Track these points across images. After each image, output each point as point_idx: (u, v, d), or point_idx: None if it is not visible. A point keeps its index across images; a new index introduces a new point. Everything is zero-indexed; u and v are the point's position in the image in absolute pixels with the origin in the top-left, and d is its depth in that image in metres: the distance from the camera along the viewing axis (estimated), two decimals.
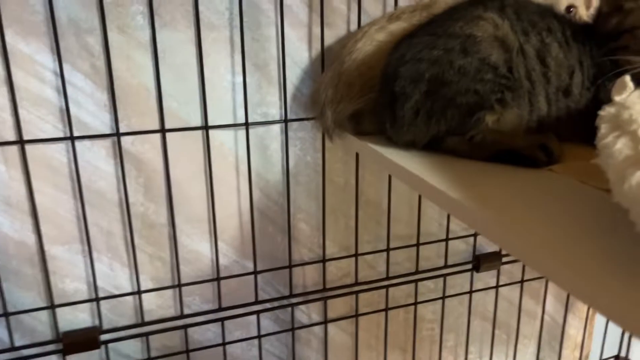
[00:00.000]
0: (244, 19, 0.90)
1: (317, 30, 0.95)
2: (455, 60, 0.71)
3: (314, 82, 0.97)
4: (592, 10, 0.94)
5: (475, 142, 0.73)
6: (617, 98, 0.56)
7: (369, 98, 0.85)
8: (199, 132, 0.94)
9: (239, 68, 0.93)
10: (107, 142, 0.89)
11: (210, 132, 0.94)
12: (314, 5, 0.94)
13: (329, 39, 0.97)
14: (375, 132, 0.85)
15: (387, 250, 1.14)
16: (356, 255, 1.11)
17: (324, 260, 1.10)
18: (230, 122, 0.95)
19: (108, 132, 0.88)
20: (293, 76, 0.97)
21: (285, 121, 0.98)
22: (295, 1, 0.93)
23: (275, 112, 0.98)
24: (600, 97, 0.74)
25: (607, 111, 0.55)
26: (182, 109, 0.92)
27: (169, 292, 1.01)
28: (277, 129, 0.99)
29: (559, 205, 0.57)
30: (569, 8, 0.90)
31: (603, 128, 0.53)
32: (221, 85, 0.93)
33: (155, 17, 0.86)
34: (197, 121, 0.93)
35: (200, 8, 0.88)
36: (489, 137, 0.72)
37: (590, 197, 0.59)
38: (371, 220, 1.12)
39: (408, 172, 0.70)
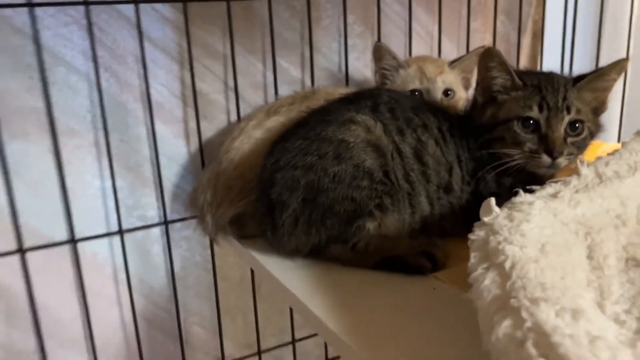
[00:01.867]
0: (109, 121, 0.83)
1: (194, 124, 0.89)
2: (329, 167, 0.67)
3: (196, 179, 0.91)
4: (471, 91, 0.94)
5: (358, 249, 0.68)
6: (485, 219, 0.53)
7: (250, 201, 0.79)
8: (66, 247, 0.84)
9: (108, 172, 0.85)
10: None
11: (81, 243, 0.85)
12: (187, 100, 0.88)
13: (208, 132, 0.91)
14: (259, 234, 0.79)
15: (293, 342, 1.07)
16: (259, 353, 1.04)
17: None
18: (103, 231, 0.86)
19: None
20: (171, 174, 0.90)
21: (166, 223, 0.90)
22: (167, 97, 0.87)
23: (153, 214, 0.90)
24: (481, 190, 0.73)
25: (477, 235, 0.52)
26: (44, 224, 0.82)
27: None
28: (157, 231, 0.91)
29: (438, 324, 0.54)
30: (446, 92, 0.89)
31: (473, 257, 0.50)
32: (88, 192, 0.84)
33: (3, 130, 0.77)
34: (63, 235, 0.83)
35: (56, 114, 0.79)
36: (372, 243, 0.68)
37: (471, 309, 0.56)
38: (274, 313, 1.05)
39: (288, 292, 0.65)
